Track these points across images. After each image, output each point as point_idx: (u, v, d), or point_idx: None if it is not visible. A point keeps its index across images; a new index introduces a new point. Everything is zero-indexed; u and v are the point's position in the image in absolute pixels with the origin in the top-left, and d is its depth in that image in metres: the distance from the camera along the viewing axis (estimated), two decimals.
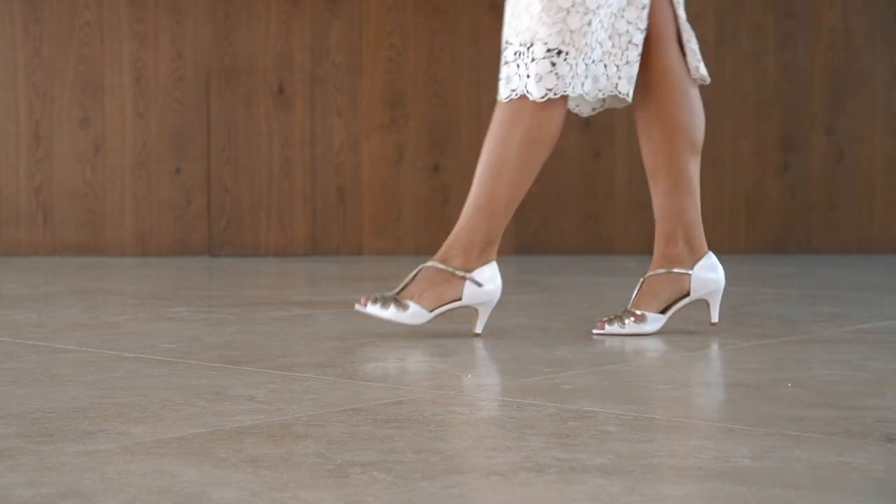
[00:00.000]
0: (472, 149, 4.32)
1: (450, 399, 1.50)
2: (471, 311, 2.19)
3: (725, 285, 2.23)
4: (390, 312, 2.10)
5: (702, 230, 2.21)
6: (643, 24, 2.16)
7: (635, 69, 2.16)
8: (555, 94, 2.09)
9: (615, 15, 2.13)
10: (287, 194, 4.38)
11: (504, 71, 2.12)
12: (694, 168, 2.20)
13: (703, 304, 2.22)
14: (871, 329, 2.21)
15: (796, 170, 4.35)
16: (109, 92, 4.28)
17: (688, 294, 2.17)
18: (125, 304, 2.71)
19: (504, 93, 2.11)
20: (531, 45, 2.08)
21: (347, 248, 4.31)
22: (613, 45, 2.15)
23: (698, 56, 2.21)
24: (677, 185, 2.19)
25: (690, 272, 2.17)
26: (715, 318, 2.19)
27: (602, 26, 2.11)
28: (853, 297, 2.79)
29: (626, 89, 2.17)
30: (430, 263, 2.13)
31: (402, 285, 2.14)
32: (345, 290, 2.88)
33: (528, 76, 2.08)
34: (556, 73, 2.08)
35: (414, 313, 2.10)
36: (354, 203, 4.32)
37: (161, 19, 4.28)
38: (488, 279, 2.12)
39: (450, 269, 2.12)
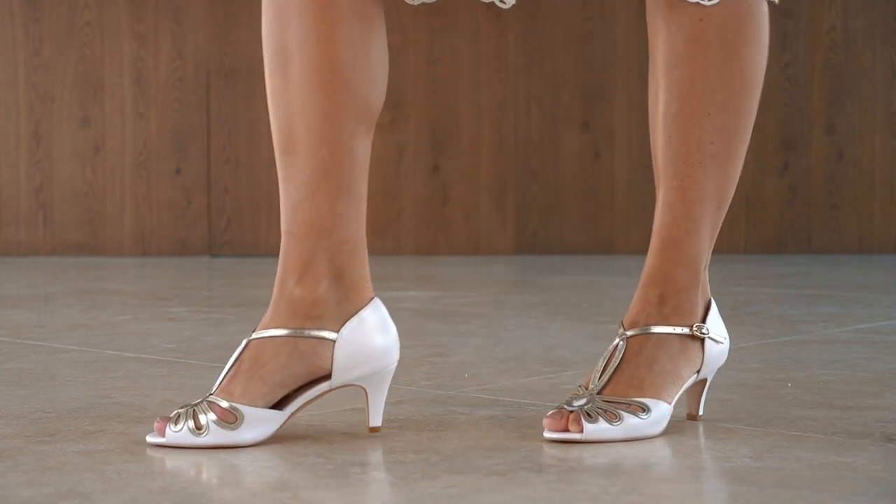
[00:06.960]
0: (472, 149, 4.31)
1: (450, 399, 1.50)
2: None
3: None
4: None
5: None
6: None
7: None
8: None
9: None
10: None
11: None
12: None
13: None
14: (871, 329, 2.21)
15: (796, 170, 4.35)
16: (109, 92, 4.28)
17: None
18: (125, 304, 2.70)
19: None
20: None
21: None
22: None
23: None
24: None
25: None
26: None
27: None
28: (853, 297, 2.79)
29: None
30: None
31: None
32: None
33: None
34: None
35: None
36: None
37: (161, 19, 4.28)
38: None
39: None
